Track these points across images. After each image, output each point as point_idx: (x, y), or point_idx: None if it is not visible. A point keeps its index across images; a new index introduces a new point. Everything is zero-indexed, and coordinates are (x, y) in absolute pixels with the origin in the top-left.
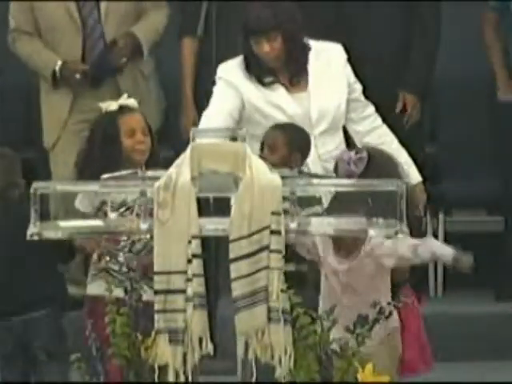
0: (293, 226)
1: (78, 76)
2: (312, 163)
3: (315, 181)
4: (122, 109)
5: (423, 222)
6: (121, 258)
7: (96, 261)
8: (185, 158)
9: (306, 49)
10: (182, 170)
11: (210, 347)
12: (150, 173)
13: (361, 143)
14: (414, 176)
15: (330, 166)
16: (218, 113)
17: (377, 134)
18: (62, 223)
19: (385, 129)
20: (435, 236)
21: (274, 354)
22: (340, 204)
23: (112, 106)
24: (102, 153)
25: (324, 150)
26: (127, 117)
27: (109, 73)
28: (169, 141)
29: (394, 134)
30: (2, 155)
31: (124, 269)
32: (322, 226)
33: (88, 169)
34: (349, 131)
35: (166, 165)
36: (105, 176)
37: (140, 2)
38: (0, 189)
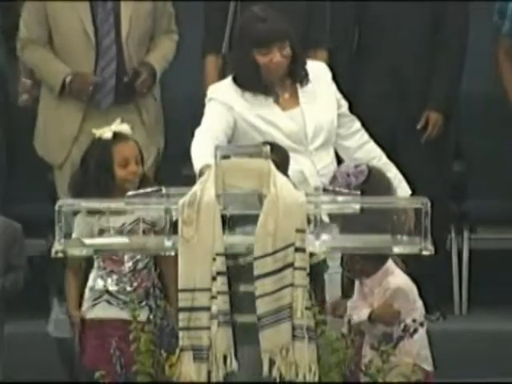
0: (317, 243)
1: (91, 88)
2: (311, 179)
3: (340, 198)
4: (116, 136)
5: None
6: (125, 278)
7: (92, 285)
8: (209, 175)
9: (305, 61)
10: (206, 187)
11: (235, 364)
12: (173, 190)
13: (351, 159)
14: (405, 190)
15: (326, 180)
16: (211, 129)
17: (366, 150)
18: (87, 240)
19: (372, 144)
20: (459, 254)
21: (299, 372)
22: (364, 221)
23: (106, 133)
24: (94, 181)
25: (321, 165)
26: (121, 145)
27: (131, 100)
28: (191, 159)
29: (421, 151)
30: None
31: (128, 288)
32: (347, 242)
33: (80, 195)
34: (337, 148)
35: (190, 183)
36: (129, 193)
37: (153, 26)
38: None
